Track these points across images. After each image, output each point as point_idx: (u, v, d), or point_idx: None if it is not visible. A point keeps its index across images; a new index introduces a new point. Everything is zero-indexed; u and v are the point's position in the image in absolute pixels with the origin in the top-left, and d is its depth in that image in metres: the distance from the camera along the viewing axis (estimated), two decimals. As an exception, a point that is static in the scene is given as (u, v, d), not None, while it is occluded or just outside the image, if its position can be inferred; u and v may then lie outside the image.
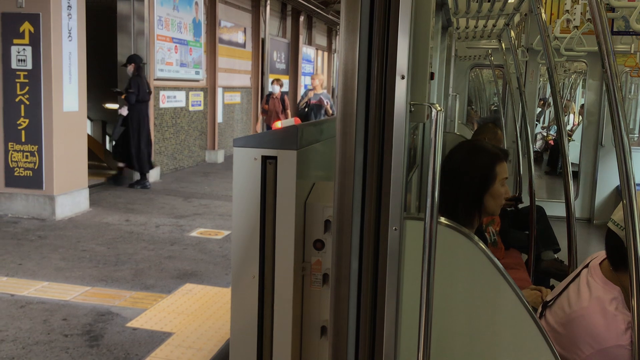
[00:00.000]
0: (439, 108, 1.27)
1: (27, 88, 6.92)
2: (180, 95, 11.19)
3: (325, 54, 22.55)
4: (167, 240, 6.42)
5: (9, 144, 7.05)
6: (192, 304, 4.67)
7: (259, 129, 11.24)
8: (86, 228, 6.77)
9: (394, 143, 1.23)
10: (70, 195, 7.30)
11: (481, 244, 1.45)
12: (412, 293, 1.32)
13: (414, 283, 1.31)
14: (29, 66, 6.89)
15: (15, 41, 6.87)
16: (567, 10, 4.04)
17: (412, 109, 1.29)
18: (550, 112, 13.61)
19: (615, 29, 4.79)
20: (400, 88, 1.23)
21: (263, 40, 14.86)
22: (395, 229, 1.26)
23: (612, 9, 3.83)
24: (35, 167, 7.02)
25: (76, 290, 4.85)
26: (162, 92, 10.47)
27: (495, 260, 1.45)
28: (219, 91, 12.64)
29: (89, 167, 7.96)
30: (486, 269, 1.44)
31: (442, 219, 1.46)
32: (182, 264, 5.63)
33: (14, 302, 4.55)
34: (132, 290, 4.91)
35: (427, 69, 1.39)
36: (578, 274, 1.95)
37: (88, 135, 8.69)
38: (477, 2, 3.54)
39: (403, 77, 1.23)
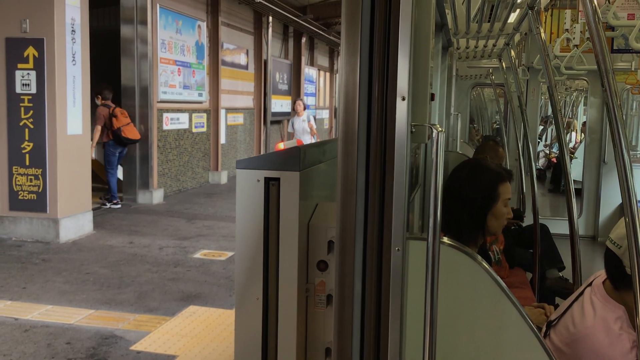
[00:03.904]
0: (439, 129, 1.28)
1: (31, 112, 6.97)
2: (184, 117, 11.24)
3: (327, 74, 22.67)
4: (171, 262, 6.41)
5: (14, 167, 7.08)
6: (196, 327, 4.65)
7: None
8: (90, 251, 6.77)
9: (395, 164, 1.24)
10: (74, 218, 7.31)
11: (484, 264, 1.46)
12: (416, 313, 1.32)
13: (417, 303, 1.31)
14: (33, 90, 6.94)
15: (20, 66, 6.93)
16: (567, 29, 4.07)
17: (413, 130, 1.30)
18: (552, 129, 13.63)
19: (615, 47, 4.81)
20: (401, 109, 1.24)
21: (265, 62, 14.96)
22: (398, 249, 1.26)
23: (612, 28, 3.85)
24: (40, 191, 7.04)
25: (80, 313, 4.84)
26: (165, 114, 10.53)
27: (499, 279, 1.45)
28: (222, 112, 12.70)
29: (93, 189, 7.98)
30: (490, 289, 1.44)
31: (445, 239, 1.46)
32: (186, 286, 5.62)
33: (18, 326, 4.54)
34: (136, 313, 4.90)
35: (427, 90, 1.40)
36: (581, 293, 1.94)
37: (91, 158, 8.72)
38: (477, 22, 3.57)
39: (404, 99, 1.24)
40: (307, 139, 10.69)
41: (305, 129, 10.66)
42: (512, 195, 2.58)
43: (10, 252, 6.59)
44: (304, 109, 10.98)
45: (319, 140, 10.36)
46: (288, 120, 17.68)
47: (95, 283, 5.62)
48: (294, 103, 11.56)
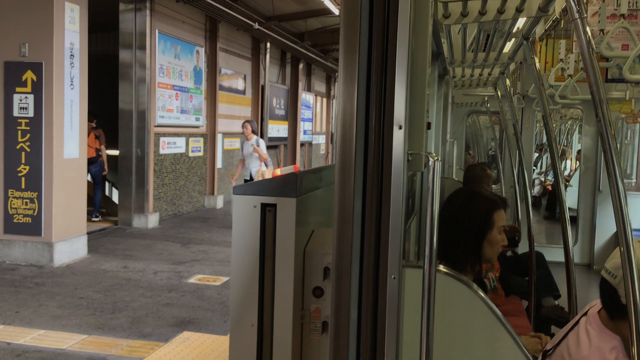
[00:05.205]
0: (435, 157, 1.29)
1: (28, 135, 6.98)
2: (180, 141, 11.27)
3: (324, 99, 22.81)
4: (165, 287, 6.37)
5: (9, 190, 7.07)
6: (190, 353, 4.60)
7: None
8: (84, 275, 6.72)
9: (392, 192, 1.25)
10: (69, 242, 7.27)
11: (480, 292, 1.46)
12: (412, 341, 1.31)
13: (413, 331, 1.30)
14: (31, 114, 6.96)
15: (18, 89, 6.96)
16: (562, 59, 4.10)
17: (410, 159, 1.31)
18: (547, 157, 13.68)
19: (609, 77, 4.84)
20: (398, 138, 1.26)
21: (263, 87, 15.05)
22: (394, 277, 1.26)
23: (606, 58, 3.89)
24: (35, 214, 7.02)
25: (73, 338, 4.79)
26: (162, 139, 10.55)
27: (495, 308, 1.45)
28: (219, 137, 12.74)
29: (88, 213, 7.95)
30: (486, 318, 1.44)
31: (441, 267, 1.47)
32: (180, 311, 5.58)
33: (10, 351, 4.49)
34: (129, 338, 4.85)
35: (424, 119, 1.41)
36: (577, 322, 1.94)
37: (87, 181, 8.72)
38: (472, 51, 3.61)
39: (400, 128, 1.25)
40: (256, 165, 9.66)
41: (254, 154, 9.67)
42: (507, 223, 2.58)
43: (3, 275, 6.55)
44: (252, 131, 9.73)
45: (269, 166, 9.93)
46: (285, 145, 17.77)
47: (89, 308, 5.58)
48: (259, 129, 10.20)
